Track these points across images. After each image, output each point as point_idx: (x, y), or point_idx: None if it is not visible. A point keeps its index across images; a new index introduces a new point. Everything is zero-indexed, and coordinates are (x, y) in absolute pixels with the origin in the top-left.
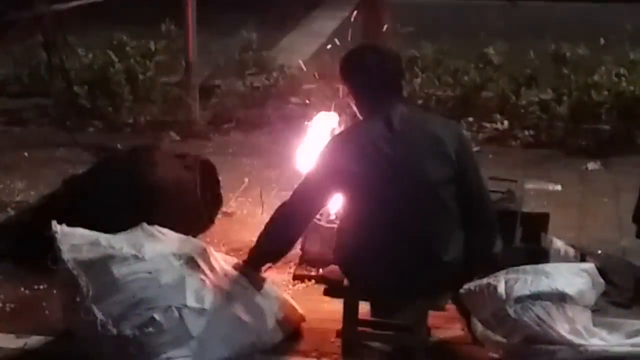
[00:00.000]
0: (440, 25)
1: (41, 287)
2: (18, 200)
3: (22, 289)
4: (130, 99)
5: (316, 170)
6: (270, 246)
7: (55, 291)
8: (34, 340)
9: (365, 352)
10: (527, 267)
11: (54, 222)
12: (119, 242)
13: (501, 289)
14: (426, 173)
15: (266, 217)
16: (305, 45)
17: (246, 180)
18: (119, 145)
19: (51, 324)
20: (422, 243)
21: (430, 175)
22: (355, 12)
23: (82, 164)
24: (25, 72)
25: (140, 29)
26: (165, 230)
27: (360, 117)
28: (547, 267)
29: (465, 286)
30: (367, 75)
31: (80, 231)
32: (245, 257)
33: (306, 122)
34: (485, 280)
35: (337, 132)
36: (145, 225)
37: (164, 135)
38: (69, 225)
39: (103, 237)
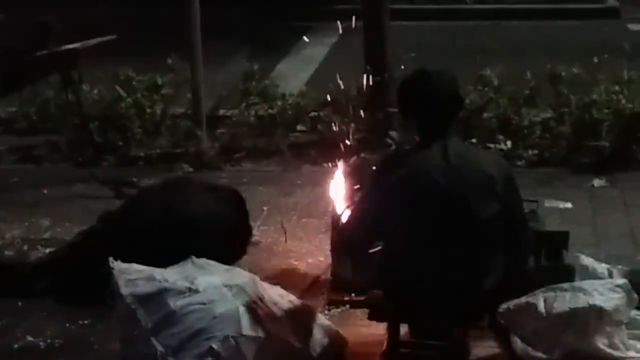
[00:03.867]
0: (435, 48)
1: (86, 322)
2: (46, 237)
3: (68, 325)
4: (140, 132)
5: (368, 190)
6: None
7: (100, 326)
8: None
9: None
10: (564, 284)
11: (110, 259)
12: (172, 276)
13: (541, 306)
14: (475, 210)
15: (290, 245)
16: (300, 72)
17: (265, 209)
18: (134, 179)
19: (101, 357)
20: (463, 273)
21: (479, 212)
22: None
23: (103, 199)
24: (32, 109)
25: (143, 63)
26: (213, 262)
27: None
28: (584, 284)
29: (504, 305)
30: (426, 101)
31: (135, 266)
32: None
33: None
34: (524, 299)
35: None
36: (194, 258)
37: (176, 167)
38: (106, 260)
39: (157, 272)
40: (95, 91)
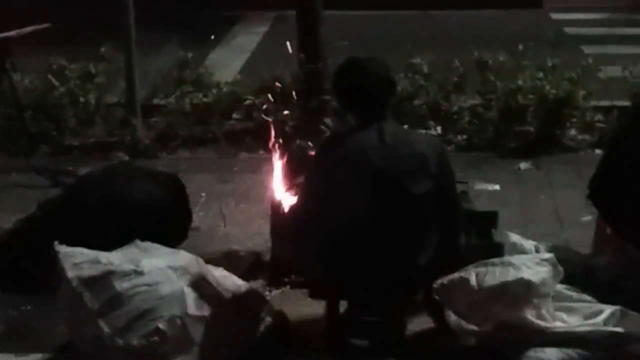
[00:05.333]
0: (365, 37)
1: (29, 308)
2: None
3: (10, 311)
4: (74, 121)
5: (309, 174)
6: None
7: (43, 311)
8: (33, 358)
9: (349, 347)
10: (495, 260)
11: (55, 243)
12: (117, 259)
13: (473, 281)
14: (409, 187)
15: (229, 230)
16: (232, 61)
17: (203, 195)
18: (70, 168)
19: (45, 341)
20: (399, 249)
21: (411, 189)
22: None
23: (39, 188)
24: None
25: (76, 52)
26: (157, 245)
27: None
28: (513, 259)
29: (438, 281)
30: (361, 88)
31: (80, 250)
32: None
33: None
34: (457, 275)
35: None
36: (139, 241)
37: (112, 155)
38: (47, 247)
39: (102, 255)
40: (27, 80)
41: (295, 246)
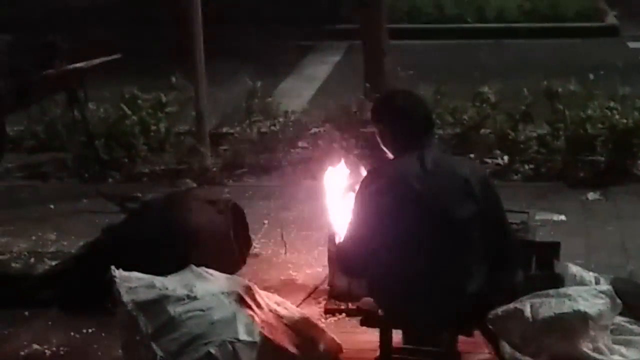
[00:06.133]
0: (435, 66)
1: (90, 330)
2: (52, 250)
3: (72, 333)
4: (145, 149)
5: (355, 211)
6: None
7: (103, 334)
8: None
9: None
10: (550, 291)
11: (112, 267)
12: (172, 283)
13: (527, 312)
14: (452, 212)
15: (290, 257)
16: (303, 90)
17: (265, 222)
18: (139, 194)
19: None
20: (447, 277)
21: (455, 214)
22: None
23: (108, 214)
24: (40, 127)
25: (148, 82)
26: (211, 271)
27: (392, 157)
28: (569, 290)
29: (493, 312)
30: (403, 117)
31: (136, 274)
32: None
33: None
34: (512, 305)
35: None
36: (193, 266)
37: (180, 182)
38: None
39: (157, 280)
40: (102, 109)
41: (348, 277)
